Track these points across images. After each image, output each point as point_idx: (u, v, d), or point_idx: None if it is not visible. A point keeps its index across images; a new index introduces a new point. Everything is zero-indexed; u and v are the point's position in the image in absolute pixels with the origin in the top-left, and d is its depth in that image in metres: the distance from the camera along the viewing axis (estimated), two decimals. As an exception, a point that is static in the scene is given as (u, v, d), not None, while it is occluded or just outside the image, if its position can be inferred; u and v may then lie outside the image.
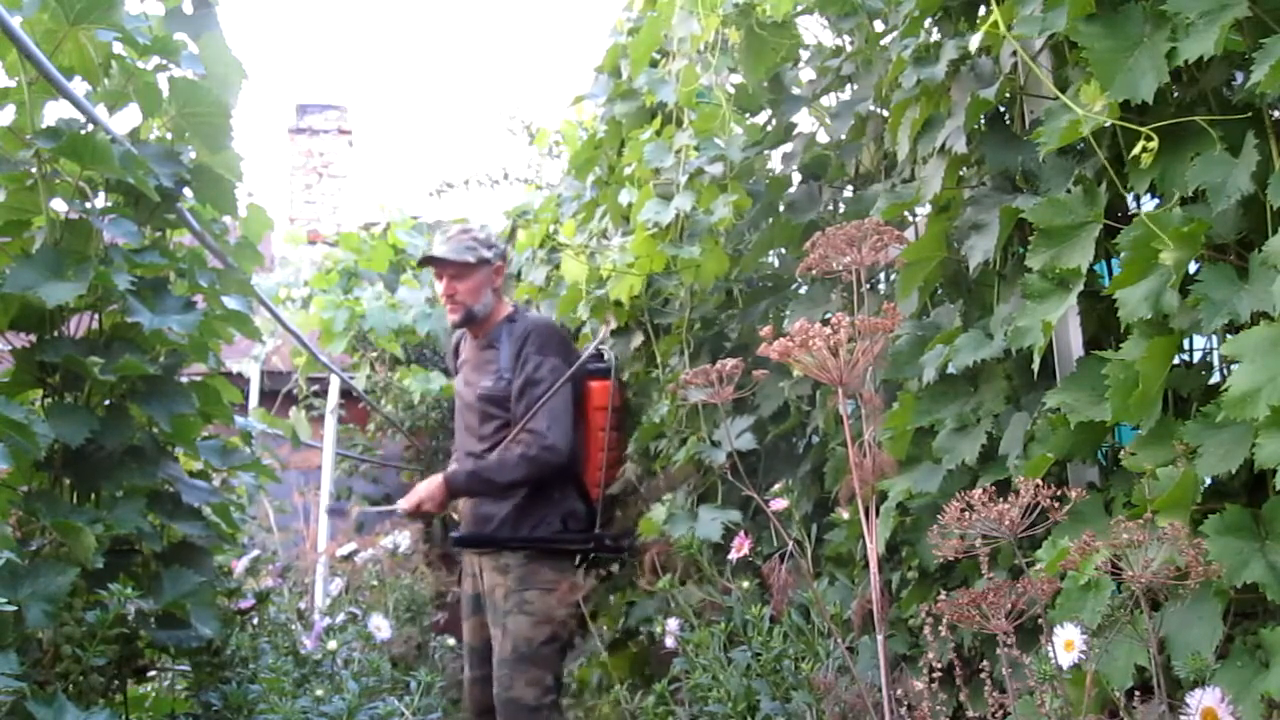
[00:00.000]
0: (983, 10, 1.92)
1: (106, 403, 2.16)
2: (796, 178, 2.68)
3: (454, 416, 3.31)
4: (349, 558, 4.40)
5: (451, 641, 3.06)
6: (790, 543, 1.56)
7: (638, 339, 3.14)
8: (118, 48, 2.15)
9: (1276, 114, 1.38)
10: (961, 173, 1.94)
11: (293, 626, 3.20)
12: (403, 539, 4.52)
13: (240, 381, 5.95)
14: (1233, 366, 1.29)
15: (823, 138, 2.61)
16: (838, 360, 1.19)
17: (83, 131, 2.01)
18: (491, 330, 3.13)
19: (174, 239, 2.42)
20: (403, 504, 3.07)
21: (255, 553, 3.54)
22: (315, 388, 6.32)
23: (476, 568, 3.11)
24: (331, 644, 2.75)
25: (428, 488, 3.05)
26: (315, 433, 5.55)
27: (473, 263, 3.02)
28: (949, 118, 1.84)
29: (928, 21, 2.00)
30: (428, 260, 3.09)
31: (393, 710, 2.32)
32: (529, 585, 2.93)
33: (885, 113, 2.20)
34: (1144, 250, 1.36)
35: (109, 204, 2.20)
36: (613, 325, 3.21)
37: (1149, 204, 1.60)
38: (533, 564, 2.97)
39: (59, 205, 2.14)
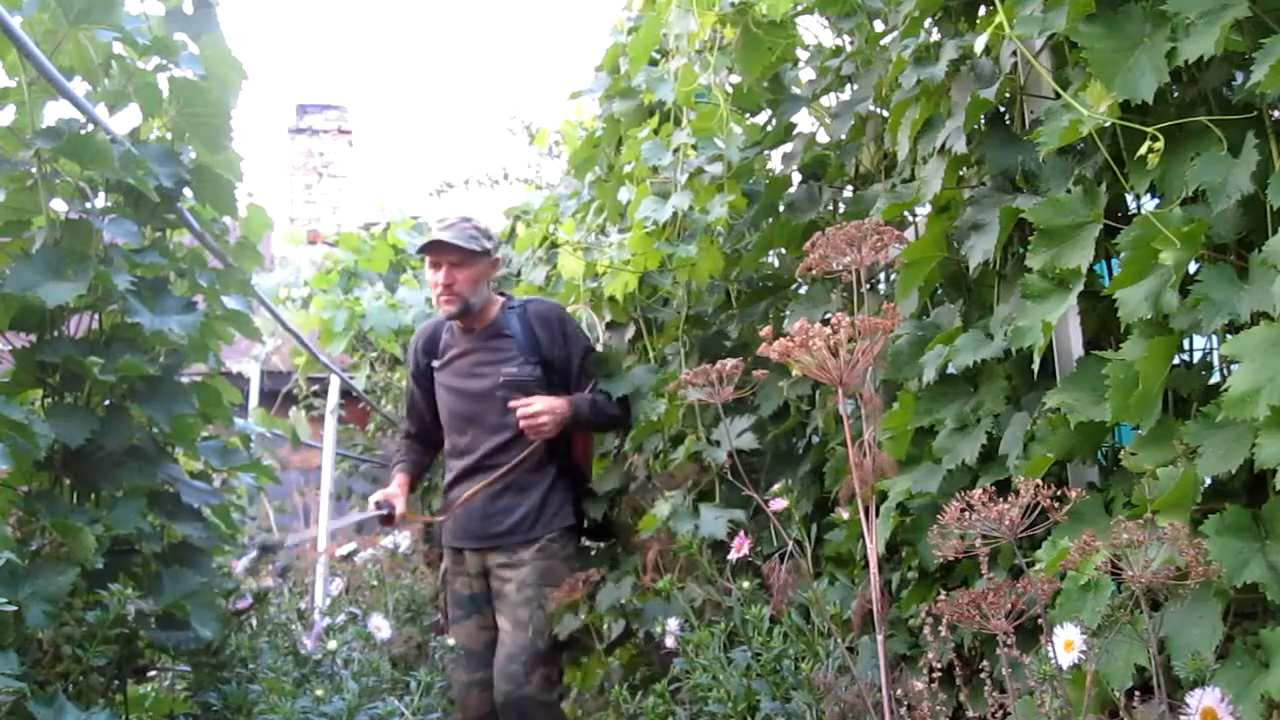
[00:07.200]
0: (983, 10, 1.92)
1: (106, 403, 2.16)
2: (796, 178, 2.68)
3: (440, 415, 3.13)
4: (349, 558, 4.39)
5: (451, 641, 3.03)
6: (790, 543, 1.56)
7: (630, 333, 3.16)
8: (118, 48, 2.15)
9: (1276, 114, 1.38)
10: (961, 173, 1.94)
11: (293, 626, 3.19)
12: (403, 539, 4.51)
13: (240, 381, 5.95)
14: (1233, 366, 1.29)
15: (823, 138, 2.61)
16: (838, 360, 1.19)
17: (83, 131, 2.01)
18: (494, 320, 3.05)
19: (174, 239, 2.42)
20: (524, 410, 2.86)
21: (256, 552, 3.54)
22: (315, 388, 6.32)
23: (477, 566, 3.02)
24: (331, 644, 2.74)
25: (550, 403, 2.88)
26: (315, 433, 5.55)
27: (476, 251, 2.95)
28: (949, 118, 1.84)
29: (928, 21, 2.00)
30: (430, 245, 2.99)
31: (393, 710, 2.31)
32: (547, 582, 2.86)
33: (885, 113, 2.20)
34: (1144, 250, 1.36)
35: (109, 204, 2.20)
36: (608, 319, 3.20)
37: (1149, 204, 1.60)
38: (551, 561, 2.92)
39: (59, 205, 2.14)
